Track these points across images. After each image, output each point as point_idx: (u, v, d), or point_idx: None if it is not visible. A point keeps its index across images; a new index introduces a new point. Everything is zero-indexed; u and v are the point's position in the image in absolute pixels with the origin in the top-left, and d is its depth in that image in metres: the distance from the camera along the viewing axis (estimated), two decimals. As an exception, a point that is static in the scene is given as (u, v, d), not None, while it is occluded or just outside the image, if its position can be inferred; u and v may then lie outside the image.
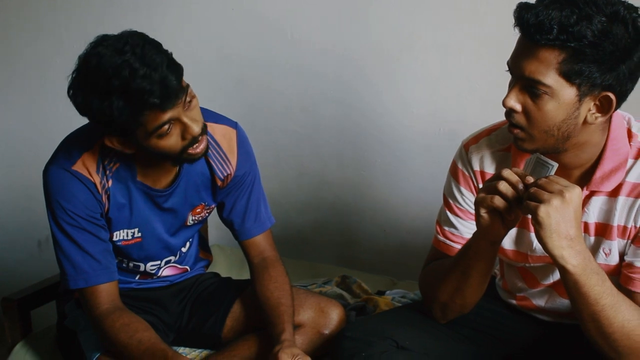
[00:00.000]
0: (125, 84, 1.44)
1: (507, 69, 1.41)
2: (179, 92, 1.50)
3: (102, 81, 1.45)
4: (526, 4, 1.33)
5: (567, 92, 1.32)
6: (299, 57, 2.65)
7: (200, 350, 1.94)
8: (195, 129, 1.56)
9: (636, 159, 1.44)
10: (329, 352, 1.73)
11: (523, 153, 1.51)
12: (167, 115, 1.50)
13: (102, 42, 1.50)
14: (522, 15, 1.31)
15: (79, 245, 1.69)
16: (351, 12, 2.52)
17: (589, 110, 1.36)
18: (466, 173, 1.64)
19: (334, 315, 1.87)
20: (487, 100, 2.30)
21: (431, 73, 2.45)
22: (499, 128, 1.63)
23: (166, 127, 1.52)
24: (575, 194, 1.29)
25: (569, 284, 1.34)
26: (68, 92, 1.52)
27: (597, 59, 1.28)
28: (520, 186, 1.34)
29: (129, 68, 1.44)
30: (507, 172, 1.36)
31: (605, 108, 1.36)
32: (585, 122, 1.38)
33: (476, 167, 1.62)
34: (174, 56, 1.54)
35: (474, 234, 1.48)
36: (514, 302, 1.73)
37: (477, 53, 2.35)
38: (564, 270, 1.32)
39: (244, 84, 2.78)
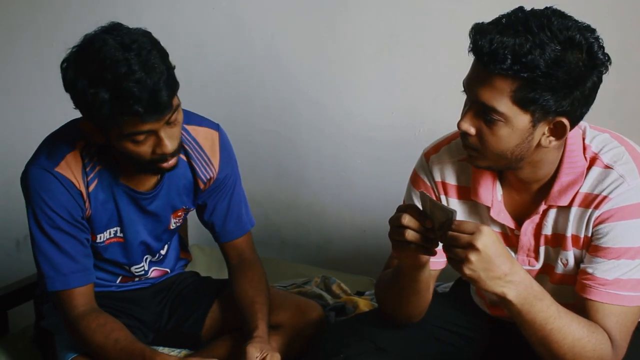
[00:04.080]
0: (118, 81, 1.40)
1: (463, 88, 1.38)
2: (166, 108, 1.47)
3: (97, 68, 1.42)
4: (481, 28, 1.29)
5: (521, 119, 1.30)
6: (278, 57, 2.65)
7: (179, 350, 1.93)
8: (169, 147, 1.53)
9: (589, 169, 1.42)
10: (307, 352, 1.73)
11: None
12: (147, 127, 1.48)
13: (113, 31, 1.47)
14: (476, 41, 1.27)
15: (59, 247, 1.66)
16: (330, 13, 2.52)
17: (543, 134, 1.35)
18: (428, 183, 1.60)
19: (313, 316, 1.88)
20: (464, 100, 2.31)
21: (409, 73, 2.46)
22: (459, 136, 1.59)
23: (142, 136, 1.50)
24: (486, 236, 1.24)
25: (513, 313, 1.32)
26: (62, 64, 1.49)
27: (551, 87, 1.26)
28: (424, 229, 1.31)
29: (127, 67, 1.40)
30: (406, 219, 1.31)
31: (559, 132, 1.34)
32: (539, 144, 1.36)
33: (437, 178, 1.59)
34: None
35: None
36: (487, 311, 1.72)
37: (454, 54, 2.34)
38: (506, 302, 1.30)
39: (222, 84, 2.78)
